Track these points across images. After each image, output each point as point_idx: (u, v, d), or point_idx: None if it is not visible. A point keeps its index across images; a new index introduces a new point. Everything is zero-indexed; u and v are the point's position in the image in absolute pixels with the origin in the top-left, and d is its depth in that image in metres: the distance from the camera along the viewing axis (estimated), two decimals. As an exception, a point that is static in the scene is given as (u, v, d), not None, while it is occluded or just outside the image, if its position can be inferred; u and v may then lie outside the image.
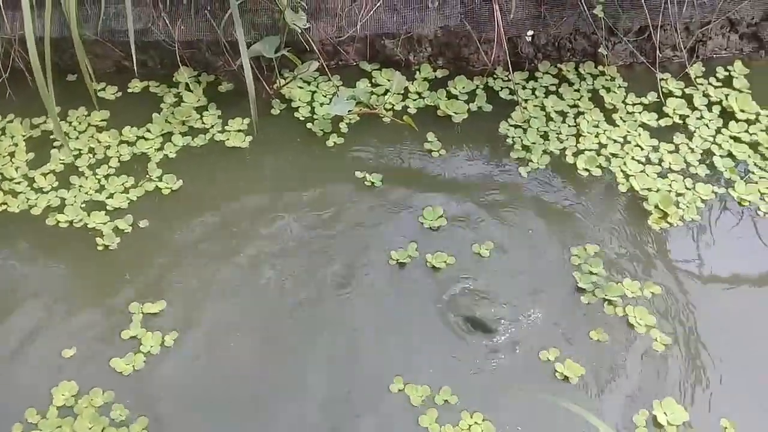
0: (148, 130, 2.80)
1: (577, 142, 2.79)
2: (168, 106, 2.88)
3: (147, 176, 2.68)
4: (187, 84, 2.92)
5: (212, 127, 2.83)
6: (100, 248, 2.48)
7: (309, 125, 2.83)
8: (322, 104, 2.89)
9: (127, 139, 2.78)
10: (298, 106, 2.89)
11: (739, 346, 2.27)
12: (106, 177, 2.67)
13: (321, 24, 2.80)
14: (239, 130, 2.81)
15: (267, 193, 2.65)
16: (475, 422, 2.09)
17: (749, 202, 2.64)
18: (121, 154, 2.74)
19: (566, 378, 2.19)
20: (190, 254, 2.47)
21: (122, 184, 2.65)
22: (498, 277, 2.42)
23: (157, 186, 2.65)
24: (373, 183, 2.65)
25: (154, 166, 2.70)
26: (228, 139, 2.79)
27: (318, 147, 2.78)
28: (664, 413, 2.12)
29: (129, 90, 2.93)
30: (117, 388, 2.16)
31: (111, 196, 2.62)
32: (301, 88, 2.94)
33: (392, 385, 2.16)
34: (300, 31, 2.70)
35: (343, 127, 2.82)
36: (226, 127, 2.82)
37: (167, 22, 2.72)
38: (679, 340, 2.28)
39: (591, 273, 2.42)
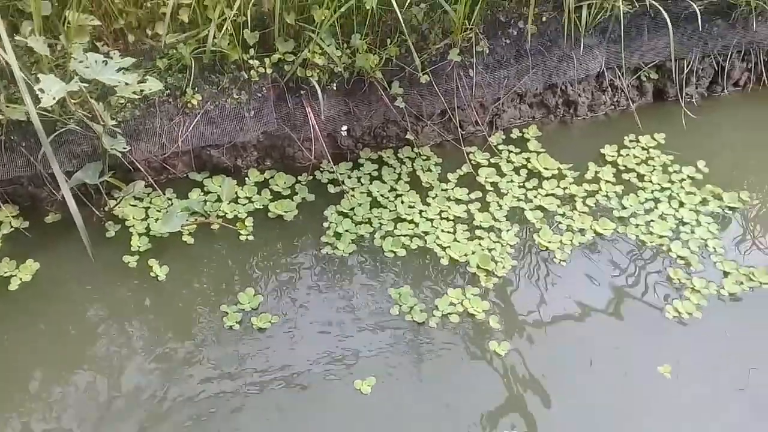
0: None
1: (395, 226, 2.98)
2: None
3: None
4: (-1, 222, 2.83)
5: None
6: None
7: (133, 242, 2.84)
8: (156, 219, 2.93)
9: None
10: (132, 225, 2.91)
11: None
12: None
13: (143, 144, 2.88)
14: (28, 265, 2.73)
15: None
16: None
17: (546, 248, 2.96)
18: None
19: None
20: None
21: None
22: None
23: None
24: (159, 278, 2.72)
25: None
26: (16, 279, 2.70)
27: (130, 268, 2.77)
28: None
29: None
30: None
31: None
32: (133, 206, 2.97)
33: None
34: (121, 154, 2.77)
35: (187, 238, 2.87)
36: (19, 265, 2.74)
37: (-20, 163, 2.70)
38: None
39: (411, 308, 2.69)
